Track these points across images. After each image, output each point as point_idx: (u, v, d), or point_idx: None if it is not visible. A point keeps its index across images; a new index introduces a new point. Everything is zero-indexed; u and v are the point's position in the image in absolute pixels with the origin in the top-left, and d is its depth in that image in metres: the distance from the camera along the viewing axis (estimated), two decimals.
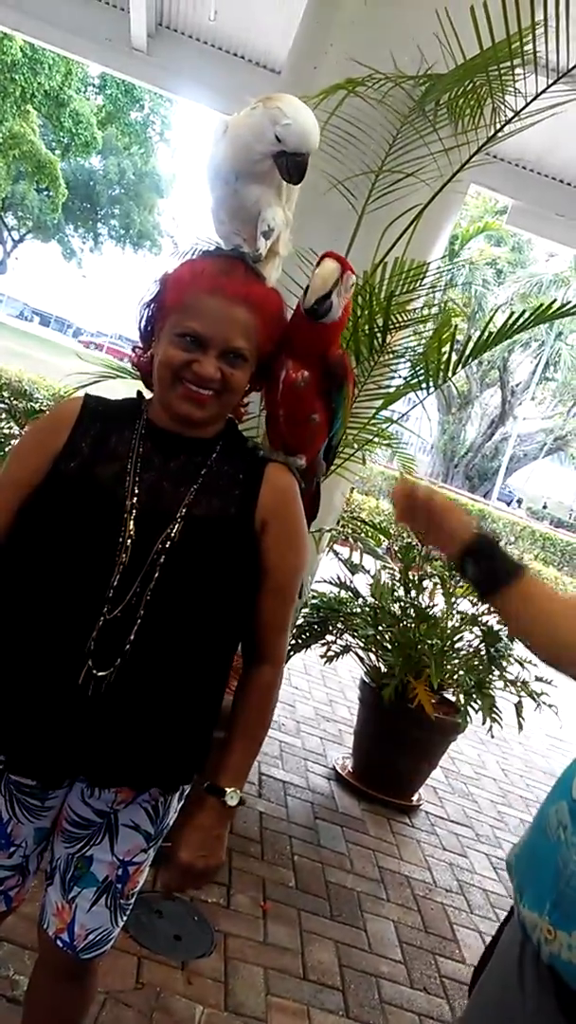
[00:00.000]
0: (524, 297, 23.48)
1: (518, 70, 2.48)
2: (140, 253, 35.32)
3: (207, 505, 1.37)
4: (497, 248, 25.26)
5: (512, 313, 2.67)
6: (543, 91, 2.49)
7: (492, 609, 1.38)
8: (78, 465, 1.37)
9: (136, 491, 1.35)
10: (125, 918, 1.51)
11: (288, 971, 2.49)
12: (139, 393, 1.51)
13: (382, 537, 4.29)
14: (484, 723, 3.59)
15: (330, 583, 3.98)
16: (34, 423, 1.53)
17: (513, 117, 2.58)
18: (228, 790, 1.38)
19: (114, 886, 1.46)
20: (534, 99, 2.51)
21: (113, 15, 6.49)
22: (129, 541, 1.31)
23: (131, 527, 1.32)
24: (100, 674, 1.30)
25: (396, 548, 4.44)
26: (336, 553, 4.07)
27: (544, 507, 34.85)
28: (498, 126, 2.66)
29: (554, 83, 2.47)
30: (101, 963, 1.56)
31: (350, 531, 3.97)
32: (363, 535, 4.00)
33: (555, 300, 2.75)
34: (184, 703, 1.37)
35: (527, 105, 2.54)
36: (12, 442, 3.68)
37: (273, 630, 1.44)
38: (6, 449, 3.61)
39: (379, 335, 2.63)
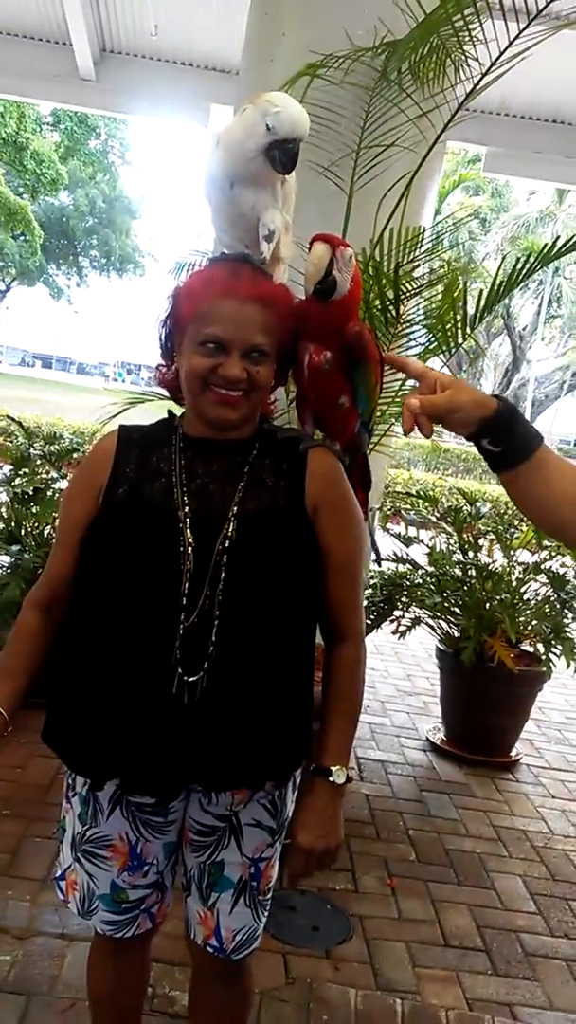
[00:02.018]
0: (513, 240, 23.26)
1: (483, 17, 2.46)
2: (125, 277, 35.45)
3: (256, 501, 1.40)
4: (477, 197, 25.01)
5: (517, 259, 2.67)
6: (516, 38, 2.48)
7: (501, 484, 1.25)
8: (127, 491, 1.42)
9: (186, 500, 1.39)
10: (266, 913, 1.55)
11: (429, 941, 2.53)
12: (170, 412, 1.56)
13: (429, 505, 4.29)
14: (568, 667, 3.59)
15: (387, 559, 3.99)
16: (78, 467, 1.58)
17: (491, 67, 2.56)
18: (334, 769, 1.42)
19: (250, 885, 1.50)
20: (509, 45, 2.49)
21: (57, 50, 6.55)
22: (190, 549, 1.35)
23: (189, 535, 1.36)
24: (191, 680, 1.34)
25: (440, 513, 4.45)
26: (387, 529, 4.10)
27: (574, 444, 34.47)
28: (474, 80, 2.64)
29: (526, 27, 2.46)
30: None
31: (396, 506, 3.98)
32: (411, 507, 4.00)
33: (558, 238, 2.73)
34: (276, 692, 1.40)
35: (503, 53, 2.53)
36: (54, 485, 3.75)
37: (346, 608, 1.47)
38: (49, 493, 3.69)
39: (391, 307, 2.64)
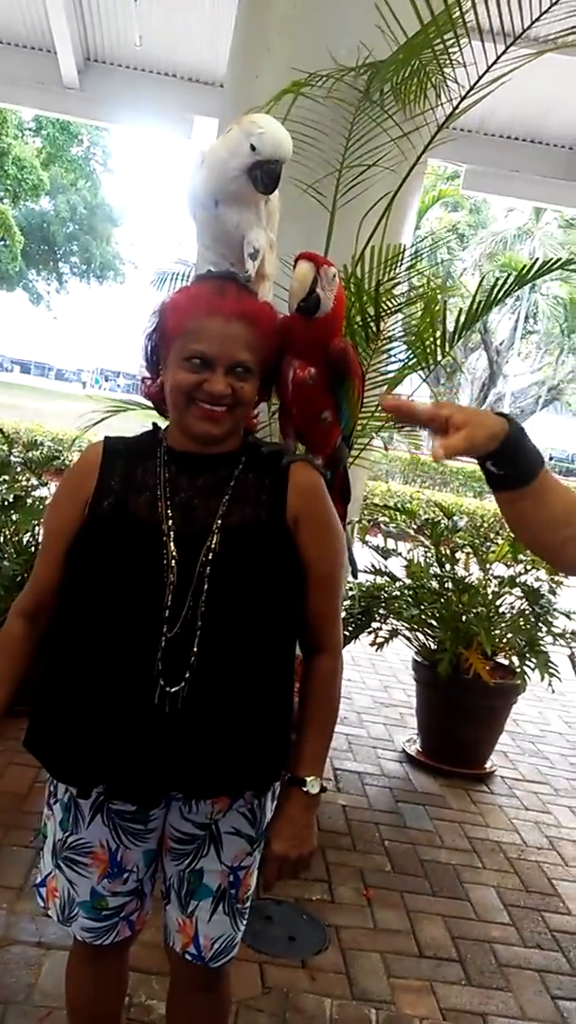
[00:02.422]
0: (491, 256, 23.48)
1: (463, 40, 2.51)
2: (105, 285, 35.34)
3: (240, 514, 1.42)
4: (455, 214, 25.24)
5: (496, 279, 2.72)
6: (496, 59, 2.53)
7: (496, 502, 1.24)
8: (112, 503, 1.44)
9: (170, 513, 1.41)
10: (245, 921, 1.57)
11: (404, 951, 2.55)
12: (155, 424, 1.58)
13: (407, 518, 4.33)
14: (543, 680, 3.64)
15: (365, 571, 4.02)
16: (63, 477, 1.59)
17: (472, 89, 2.61)
18: (308, 779, 1.44)
19: (228, 893, 1.52)
20: (489, 69, 2.54)
21: (41, 58, 6.58)
22: (173, 561, 1.38)
23: (172, 548, 1.38)
24: (172, 690, 1.36)
25: (417, 525, 4.50)
26: (365, 542, 4.13)
27: (551, 458, 34.80)
28: (454, 102, 2.69)
29: (508, 48, 2.51)
30: None
31: (375, 518, 4.01)
32: (389, 520, 4.04)
33: (536, 259, 2.79)
34: (257, 703, 1.42)
35: (483, 75, 2.58)
36: (34, 493, 3.75)
37: (325, 620, 1.50)
38: (29, 501, 3.69)
39: (372, 324, 2.68)
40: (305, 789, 1.44)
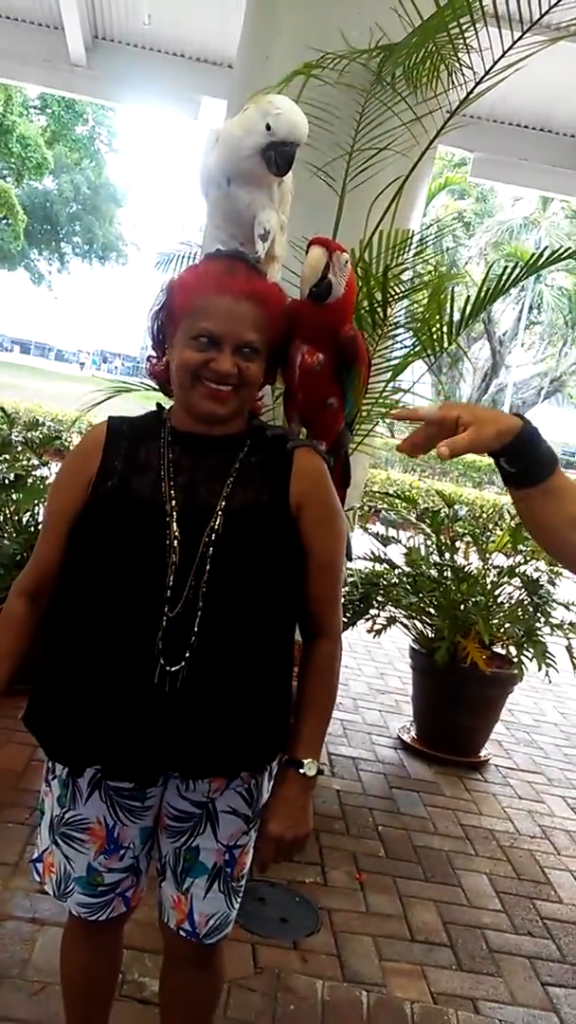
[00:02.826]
0: (497, 245, 23.40)
1: (479, 25, 2.49)
2: (107, 265, 35.22)
3: (242, 497, 1.42)
4: (461, 201, 25.12)
5: (504, 268, 2.71)
6: (512, 45, 2.51)
7: (511, 500, 1.26)
8: (115, 483, 1.44)
9: (173, 494, 1.41)
10: (239, 900, 1.58)
11: (395, 935, 2.57)
12: (159, 405, 1.58)
13: (408, 506, 4.33)
14: (540, 670, 3.65)
15: (364, 559, 4.03)
16: (66, 456, 1.59)
17: (486, 75, 2.59)
18: (305, 761, 1.45)
19: (224, 871, 1.53)
20: (504, 54, 2.53)
21: (48, 35, 6.51)
22: (176, 542, 1.38)
23: (175, 528, 1.39)
24: (172, 670, 1.37)
25: (418, 513, 4.50)
26: (365, 529, 4.13)
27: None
28: (468, 87, 2.67)
29: (525, 34, 2.49)
30: None
31: (375, 506, 4.01)
32: (390, 507, 4.04)
33: (545, 248, 2.78)
34: (256, 684, 1.43)
35: (497, 62, 2.56)
36: (36, 472, 3.75)
37: (325, 606, 1.50)
38: (30, 480, 3.68)
39: (379, 309, 2.67)
40: (302, 771, 1.45)
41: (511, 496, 1.24)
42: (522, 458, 1.18)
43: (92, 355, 51.42)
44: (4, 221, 28.85)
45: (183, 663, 1.37)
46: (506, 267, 2.68)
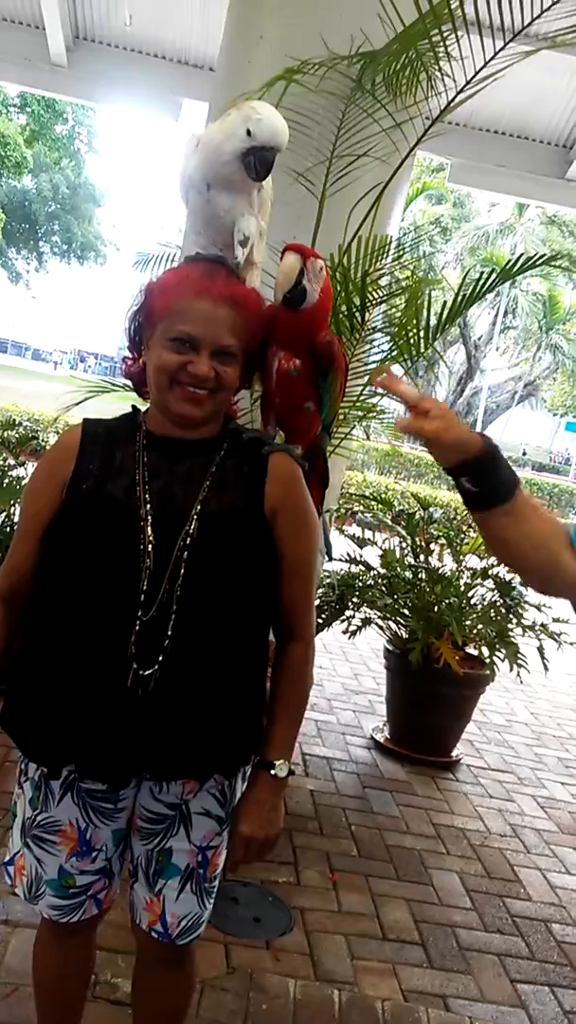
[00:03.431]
0: (473, 251, 23.57)
1: (459, 33, 2.52)
2: (86, 265, 35.06)
3: (218, 502, 1.43)
4: (439, 206, 25.28)
5: (480, 274, 2.75)
6: (495, 55, 2.54)
7: (474, 521, 1.28)
8: (90, 486, 1.44)
9: (148, 499, 1.42)
10: (212, 900, 1.58)
11: (367, 934, 2.59)
12: (134, 407, 1.58)
13: (384, 508, 4.36)
14: (512, 670, 3.69)
15: (340, 560, 4.05)
16: (40, 459, 1.59)
17: (467, 83, 2.62)
18: (276, 763, 1.47)
19: (196, 872, 1.53)
20: (486, 64, 2.55)
21: (29, 34, 6.47)
22: (150, 546, 1.39)
23: (149, 533, 1.39)
24: (145, 673, 1.38)
25: (393, 515, 4.54)
26: (342, 531, 4.16)
27: (524, 454, 35.08)
28: (448, 95, 2.70)
29: (508, 43, 2.51)
30: None
31: (351, 508, 4.04)
32: (367, 509, 4.07)
33: (521, 255, 2.82)
34: (229, 688, 1.44)
35: (479, 71, 2.59)
36: (11, 473, 3.74)
37: (298, 609, 1.51)
38: (6, 481, 3.67)
39: (357, 314, 2.70)
40: (273, 772, 1.46)
41: (473, 517, 1.25)
42: (487, 475, 1.20)
43: (68, 355, 51.14)
44: None
45: (156, 667, 1.38)
46: (482, 273, 2.71)
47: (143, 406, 1.56)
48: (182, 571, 1.38)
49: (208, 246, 1.60)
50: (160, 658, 1.38)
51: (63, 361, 48.71)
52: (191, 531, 1.39)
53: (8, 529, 3.57)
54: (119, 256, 34.16)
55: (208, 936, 2.32)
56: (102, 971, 2.15)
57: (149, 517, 1.40)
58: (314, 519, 1.54)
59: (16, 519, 3.50)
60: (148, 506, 1.41)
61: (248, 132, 1.46)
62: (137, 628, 1.38)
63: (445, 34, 2.52)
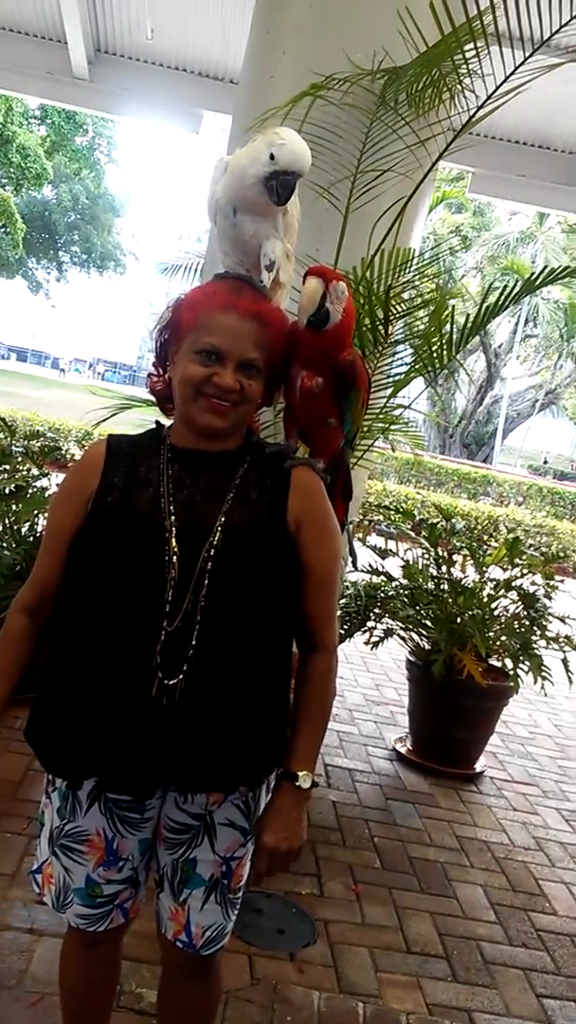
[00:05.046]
0: (493, 259, 23.53)
1: (481, 47, 2.53)
2: (105, 275, 35.28)
3: (240, 513, 1.45)
4: (459, 215, 25.26)
5: (504, 286, 2.75)
6: (517, 68, 2.55)
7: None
8: (115, 499, 1.46)
9: (172, 510, 1.44)
10: (236, 911, 1.59)
11: (391, 947, 2.58)
12: (157, 422, 1.60)
13: (405, 519, 4.36)
14: (536, 683, 3.67)
15: (362, 571, 4.05)
16: (67, 473, 1.62)
17: (488, 98, 2.63)
18: (300, 774, 1.47)
19: (221, 883, 1.54)
20: (507, 78, 2.56)
21: (52, 48, 6.57)
22: (175, 557, 1.40)
23: (174, 544, 1.41)
24: (171, 683, 1.39)
25: (412, 525, 4.53)
26: (364, 541, 4.16)
27: (545, 462, 34.92)
28: (470, 109, 2.72)
29: (530, 56, 2.52)
30: None
31: (373, 518, 4.04)
32: (384, 519, 4.07)
33: (545, 267, 2.82)
34: (253, 698, 1.45)
35: (500, 85, 2.60)
36: (36, 483, 3.77)
37: (322, 620, 1.52)
38: (30, 491, 3.70)
39: (380, 327, 2.71)
40: (297, 784, 1.47)
41: None
42: None
43: (73, 363, 51.71)
44: (3, 230, 28.88)
45: (181, 676, 1.39)
46: (505, 285, 2.71)
47: (166, 422, 1.58)
48: (206, 582, 1.39)
49: (236, 267, 1.63)
50: (185, 668, 1.39)
51: (71, 368, 49.38)
52: (215, 542, 1.41)
53: (32, 539, 3.60)
54: (138, 266, 34.38)
55: (232, 947, 2.32)
56: (127, 981, 2.16)
57: (174, 528, 1.42)
58: (336, 530, 1.55)
59: (40, 529, 3.55)
60: (172, 517, 1.43)
61: (271, 156, 1.49)
62: (162, 638, 1.39)
63: (467, 54, 2.53)
